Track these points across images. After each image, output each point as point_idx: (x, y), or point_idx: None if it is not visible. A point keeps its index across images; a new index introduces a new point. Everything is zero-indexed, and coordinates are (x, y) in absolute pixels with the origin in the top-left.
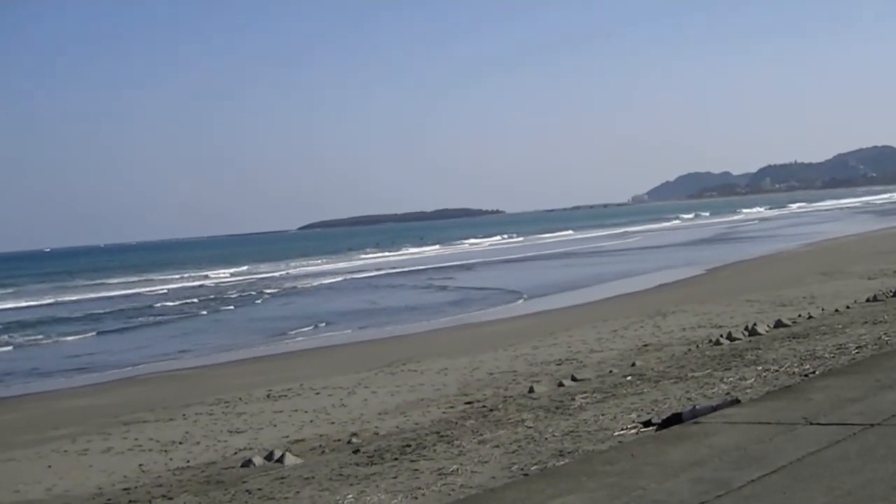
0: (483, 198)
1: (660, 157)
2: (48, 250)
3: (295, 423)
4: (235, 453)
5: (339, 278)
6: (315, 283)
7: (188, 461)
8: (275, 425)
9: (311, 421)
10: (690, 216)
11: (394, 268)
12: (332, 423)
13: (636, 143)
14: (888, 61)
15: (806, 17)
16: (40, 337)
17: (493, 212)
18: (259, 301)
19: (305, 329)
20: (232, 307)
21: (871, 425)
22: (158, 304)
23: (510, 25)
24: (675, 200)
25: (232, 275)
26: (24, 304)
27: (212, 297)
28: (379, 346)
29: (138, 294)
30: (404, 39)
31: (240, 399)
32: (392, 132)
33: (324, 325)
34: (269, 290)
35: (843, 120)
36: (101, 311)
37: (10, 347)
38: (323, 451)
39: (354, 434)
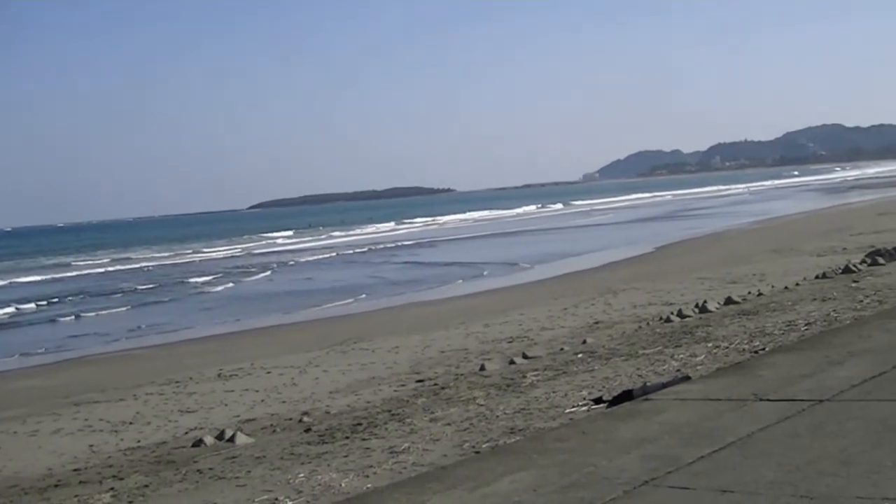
0: (433, 176)
1: (611, 136)
2: (9, 230)
3: (246, 403)
4: (186, 433)
5: (332, 253)
6: (312, 258)
7: (139, 441)
8: (226, 405)
9: (263, 400)
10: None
11: (393, 241)
12: (284, 402)
13: (587, 121)
14: (837, 41)
15: None
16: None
17: (444, 190)
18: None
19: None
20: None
21: (821, 401)
22: (125, 284)
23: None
24: (626, 179)
25: (219, 251)
26: None
27: (237, 268)
28: (331, 325)
29: (107, 272)
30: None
31: (191, 379)
32: (340, 110)
33: (364, 296)
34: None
35: (793, 98)
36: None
37: None
38: (274, 431)
39: (306, 413)
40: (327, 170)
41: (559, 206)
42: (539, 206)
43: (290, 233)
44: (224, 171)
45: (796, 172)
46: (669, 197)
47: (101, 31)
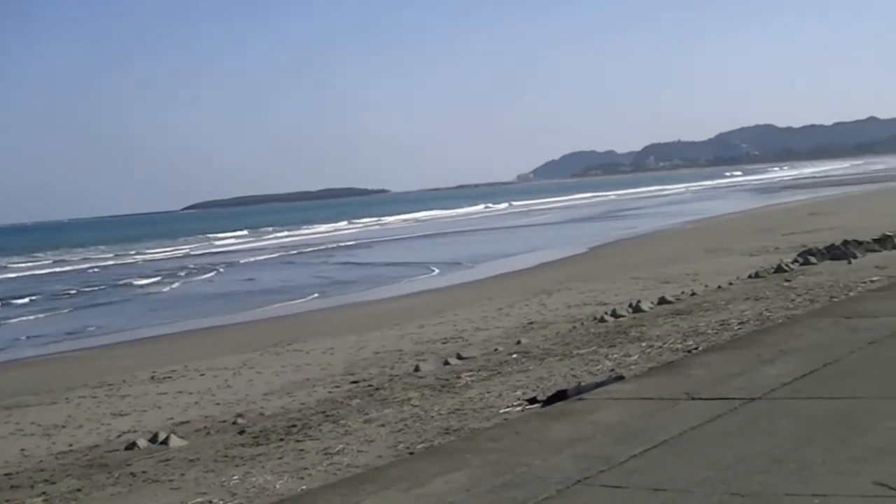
0: (367, 177)
1: (545, 137)
2: None
3: (180, 405)
4: (119, 436)
5: (277, 254)
6: (256, 259)
7: (71, 445)
8: (159, 407)
9: (196, 402)
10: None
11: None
12: (218, 404)
13: (521, 122)
14: (770, 42)
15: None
16: None
17: (378, 191)
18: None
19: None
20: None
21: (752, 399)
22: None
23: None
24: (561, 179)
25: (160, 252)
26: None
27: (182, 269)
28: (265, 326)
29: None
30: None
31: (124, 381)
32: (271, 111)
33: (302, 297)
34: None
35: (726, 99)
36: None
37: None
38: (208, 433)
39: (240, 415)
40: (260, 171)
41: (503, 206)
42: (484, 206)
43: (245, 232)
44: (155, 172)
45: (738, 173)
46: (613, 196)
47: (22, 28)
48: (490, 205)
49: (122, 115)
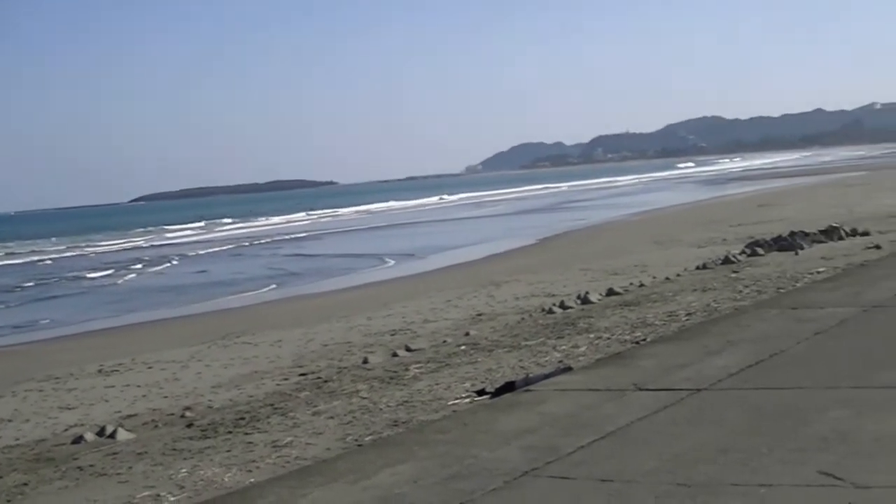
0: (315, 169)
1: (493, 129)
2: None
3: (127, 398)
4: (66, 430)
5: (230, 245)
6: (208, 251)
7: (17, 439)
8: (107, 401)
9: (144, 395)
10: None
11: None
12: (166, 397)
13: (469, 113)
14: (716, 34)
15: None
16: None
17: (327, 183)
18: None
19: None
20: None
21: (699, 390)
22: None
23: None
24: (509, 171)
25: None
26: None
27: (135, 260)
28: (214, 319)
29: None
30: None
31: (71, 375)
32: (218, 102)
33: (253, 289)
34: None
35: (674, 91)
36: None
37: None
38: (156, 426)
39: (188, 408)
40: (206, 163)
41: (456, 197)
42: (439, 198)
43: (202, 224)
44: (100, 164)
45: (691, 164)
46: (565, 188)
47: None
48: (445, 196)
49: (65, 107)
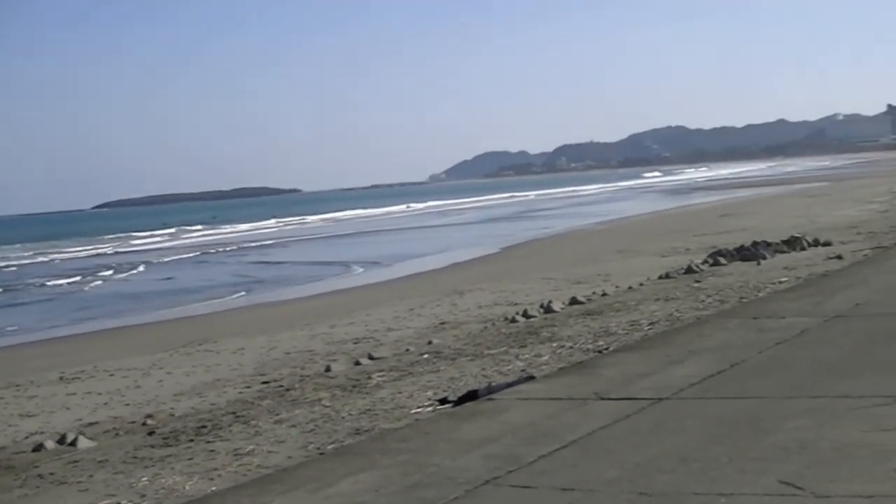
0: (279, 177)
1: (457, 137)
2: None
3: (88, 406)
4: (27, 437)
5: (196, 252)
6: (175, 258)
7: None
8: (68, 408)
9: (106, 403)
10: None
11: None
12: (127, 405)
13: (433, 122)
14: (680, 44)
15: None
16: None
17: (291, 191)
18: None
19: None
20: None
21: (660, 399)
22: None
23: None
24: (473, 179)
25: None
26: None
27: (101, 267)
28: (176, 326)
29: None
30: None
31: (32, 382)
32: (182, 110)
33: (218, 296)
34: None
35: (638, 101)
36: None
37: None
38: (117, 434)
39: (149, 416)
40: (170, 170)
41: (422, 205)
42: (406, 206)
43: (174, 230)
44: (62, 170)
45: (658, 173)
46: (533, 196)
47: None
48: (412, 204)
49: (25, 113)
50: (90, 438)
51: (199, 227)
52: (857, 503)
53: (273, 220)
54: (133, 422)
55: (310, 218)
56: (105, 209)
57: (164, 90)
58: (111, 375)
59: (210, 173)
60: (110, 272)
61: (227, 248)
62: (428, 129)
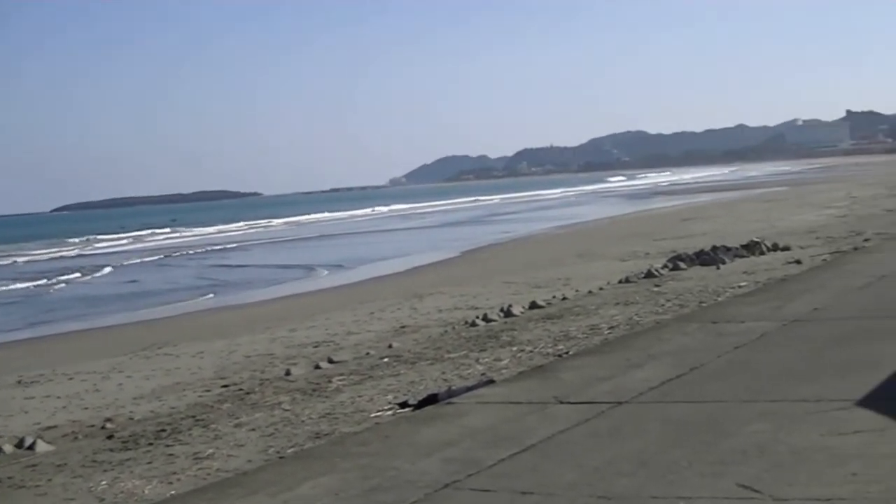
0: (239, 180)
1: (417, 141)
2: None
3: (47, 410)
4: None
5: (160, 255)
6: (140, 260)
7: None
8: (26, 412)
9: (64, 407)
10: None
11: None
12: (86, 408)
13: (393, 126)
14: (640, 49)
15: (565, 4)
16: None
17: (251, 194)
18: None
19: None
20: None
21: (620, 403)
22: None
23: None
24: (434, 183)
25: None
26: None
27: (65, 269)
28: (135, 330)
29: None
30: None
31: None
32: (140, 111)
33: (179, 300)
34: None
35: (598, 105)
36: None
37: None
38: (76, 438)
39: (108, 419)
40: (130, 172)
41: (386, 209)
42: (372, 209)
43: (137, 233)
44: (20, 172)
45: (622, 177)
46: (498, 200)
47: None
48: (377, 208)
49: None
50: (49, 442)
51: (166, 229)
52: None
53: (244, 224)
54: (92, 425)
55: (275, 221)
56: (65, 212)
57: (121, 93)
58: (70, 379)
59: (169, 177)
60: (74, 275)
61: (192, 252)
62: (388, 133)
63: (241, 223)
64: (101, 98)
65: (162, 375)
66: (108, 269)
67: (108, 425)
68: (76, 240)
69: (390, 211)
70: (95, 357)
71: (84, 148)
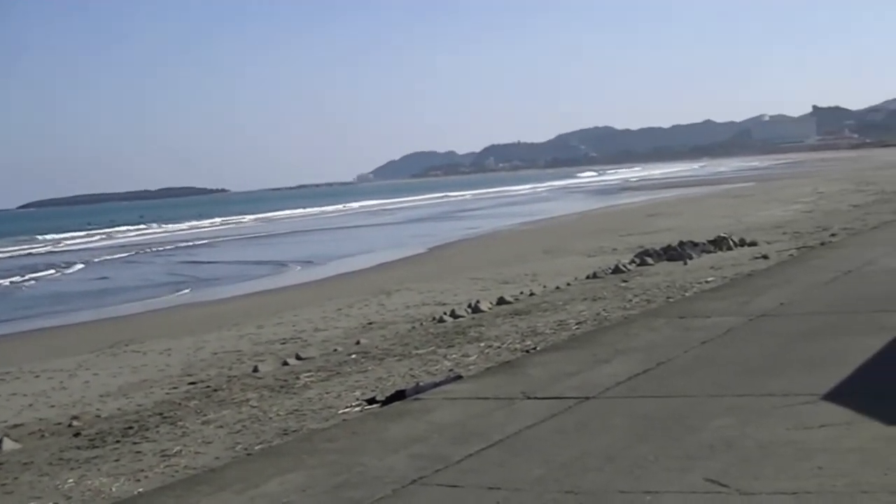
0: (206, 177)
1: (384, 137)
2: None
3: (13, 408)
4: None
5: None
6: (110, 257)
7: None
8: None
9: (31, 405)
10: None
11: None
12: (53, 406)
13: (360, 122)
14: (606, 45)
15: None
16: None
17: (218, 191)
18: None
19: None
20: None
21: (587, 398)
22: None
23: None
24: (401, 179)
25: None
26: None
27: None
28: (102, 327)
29: None
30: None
31: None
32: (107, 108)
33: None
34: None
35: (565, 101)
36: None
37: None
38: (43, 436)
39: (75, 417)
40: (96, 169)
41: (357, 205)
42: (343, 205)
43: (107, 230)
44: None
45: (592, 173)
46: (469, 196)
47: None
48: (348, 204)
49: None
50: (15, 440)
51: (141, 226)
52: (782, 500)
53: (216, 220)
54: (59, 423)
55: (247, 217)
56: (31, 209)
57: (87, 90)
58: (37, 377)
59: (136, 173)
60: (45, 272)
61: (163, 248)
62: (355, 130)
63: (215, 219)
64: (66, 95)
65: (129, 373)
66: (79, 266)
67: (75, 423)
68: (47, 237)
69: (361, 207)
70: (63, 355)
71: (50, 145)
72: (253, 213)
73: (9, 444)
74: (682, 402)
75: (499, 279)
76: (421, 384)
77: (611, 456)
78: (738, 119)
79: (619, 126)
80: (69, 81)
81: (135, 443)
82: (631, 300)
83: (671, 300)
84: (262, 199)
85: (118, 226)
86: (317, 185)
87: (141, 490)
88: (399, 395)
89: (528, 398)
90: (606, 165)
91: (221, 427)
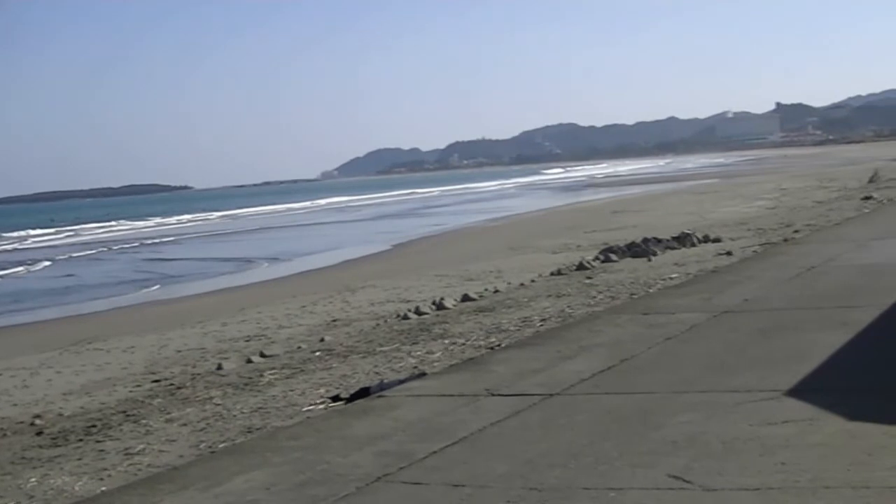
0: (169, 174)
1: (349, 134)
2: None
3: None
4: None
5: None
6: (77, 254)
7: None
8: None
9: None
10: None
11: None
12: (15, 405)
13: (324, 118)
14: (569, 41)
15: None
16: None
17: (182, 188)
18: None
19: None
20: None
21: (551, 395)
22: None
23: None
24: (365, 176)
25: None
26: None
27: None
28: (65, 325)
29: None
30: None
31: None
32: (68, 104)
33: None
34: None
35: (530, 98)
36: None
37: None
38: (4, 435)
39: (38, 416)
40: (56, 166)
41: (324, 202)
42: (311, 202)
43: (73, 227)
44: None
45: (559, 169)
46: (437, 192)
47: None
48: (317, 201)
49: None
50: None
51: (111, 223)
52: (745, 496)
53: (183, 217)
54: (21, 422)
55: (214, 214)
56: None
57: (50, 86)
58: None
59: (98, 170)
60: (13, 269)
61: (128, 245)
62: (319, 126)
63: (183, 216)
64: (25, 90)
65: (92, 371)
66: (45, 263)
67: (38, 422)
68: (13, 234)
69: (328, 204)
70: (24, 352)
71: (10, 141)
72: (219, 210)
73: None
74: (646, 398)
75: (464, 276)
76: (385, 381)
77: (575, 452)
78: (702, 116)
79: (583, 123)
80: (28, 78)
81: (98, 441)
82: (595, 297)
83: (635, 297)
84: (227, 195)
85: (84, 223)
86: (280, 182)
87: (104, 489)
88: (363, 393)
89: (493, 395)
90: (572, 162)
91: (185, 425)
